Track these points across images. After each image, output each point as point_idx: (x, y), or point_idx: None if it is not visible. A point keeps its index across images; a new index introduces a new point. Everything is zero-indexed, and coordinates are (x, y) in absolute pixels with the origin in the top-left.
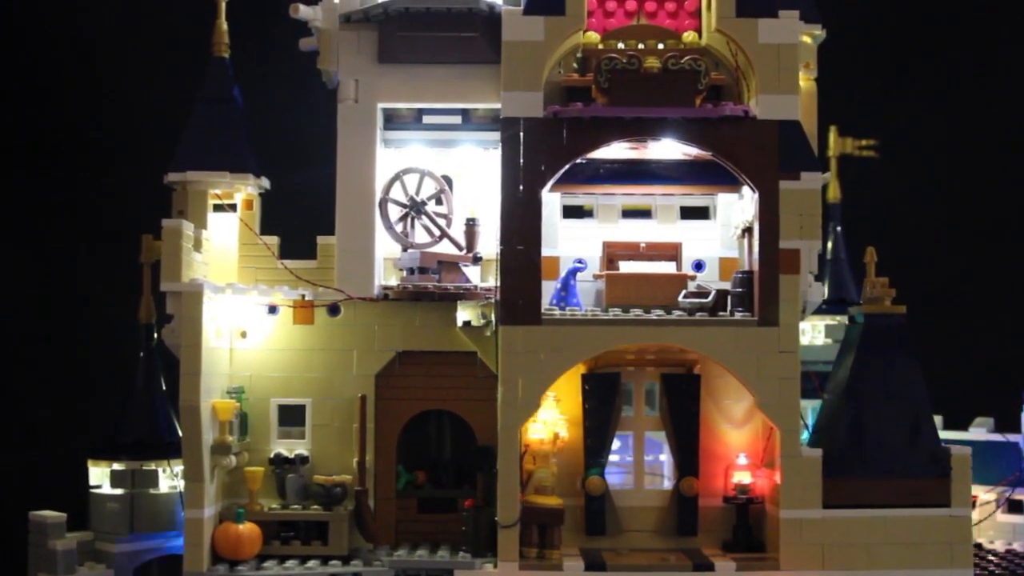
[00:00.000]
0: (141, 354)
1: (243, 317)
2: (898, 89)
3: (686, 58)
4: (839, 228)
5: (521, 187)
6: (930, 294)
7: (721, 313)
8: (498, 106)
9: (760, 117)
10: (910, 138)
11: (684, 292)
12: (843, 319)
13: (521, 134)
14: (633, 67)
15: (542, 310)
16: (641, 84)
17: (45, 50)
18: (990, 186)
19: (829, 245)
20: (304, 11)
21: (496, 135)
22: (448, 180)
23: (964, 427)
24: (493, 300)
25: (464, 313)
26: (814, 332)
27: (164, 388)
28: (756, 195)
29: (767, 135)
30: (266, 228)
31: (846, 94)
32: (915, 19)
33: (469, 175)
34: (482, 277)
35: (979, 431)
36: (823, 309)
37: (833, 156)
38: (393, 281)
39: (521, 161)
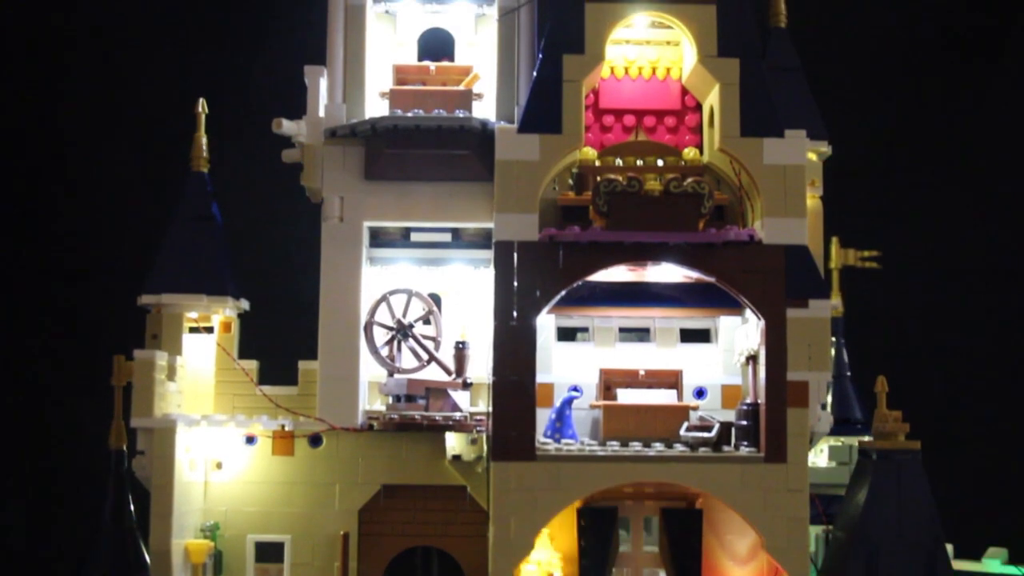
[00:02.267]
0: (110, 482)
1: (219, 447)
2: (899, 199)
3: (688, 180)
4: (842, 343)
5: (515, 314)
6: (936, 412)
7: (726, 448)
8: (489, 225)
9: (766, 241)
10: (914, 248)
11: (686, 425)
12: (848, 441)
13: (515, 258)
14: (633, 190)
15: (536, 444)
16: (642, 208)
17: (18, 155)
18: (1000, 301)
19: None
20: (287, 126)
21: (487, 253)
22: (436, 299)
23: (977, 557)
24: (484, 432)
25: (454, 446)
26: (816, 454)
27: (134, 518)
28: (762, 323)
29: (773, 260)
30: (245, 351)
31: (848, 204)
32: (915, 124)
33: (459, 294)
34: (472, 401)
35: (993, 562)
36: None
37: (835, 268)
38: (378, 405)
39: (515, 287)
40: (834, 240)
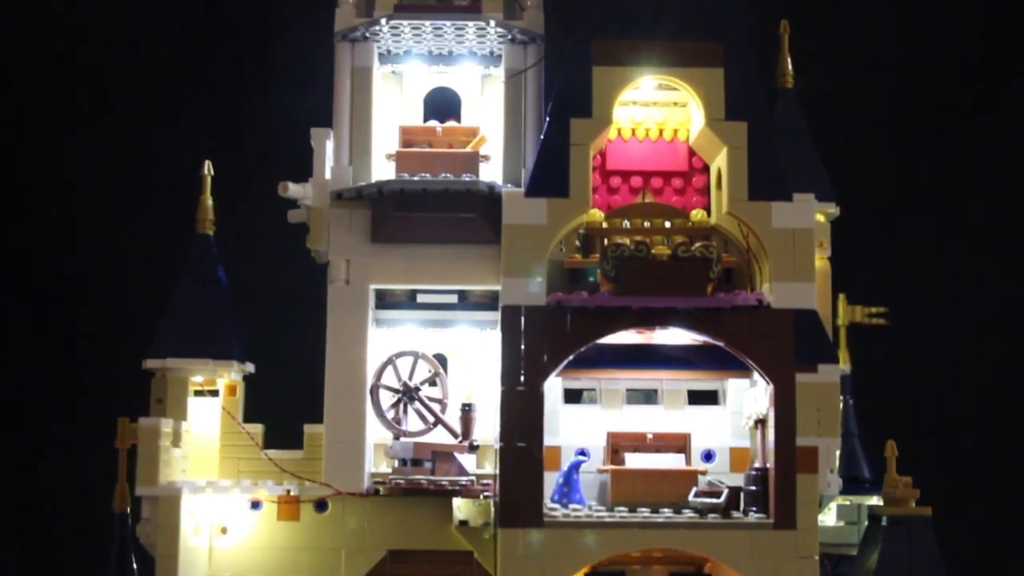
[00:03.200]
0: (114, 546)
1: (224, 512)
2: (907, 255)
3: (697, 245)
4: (850, 400)
5: (522, 378)
6: (946, 470)
7: (735, 513)
8: (496, 287)
9: (775, 306)
10: (922, 305)
11: (695, 490)
12: (856, 500)
13: (522, 323)
14: (641, 254)
15: (544, 510)
16: (650, 273)
17: (24, 217)
18: (1010, 356)
19: None
20: (293, 189)
21: (494, 315)
22: (443, 359)
23: None
24: (491, 498)
25: (460, 512)
26: (825, 513)
27: None
28: (771, 387)
29: (782, 325)
30: (250, 415)
31: (856, 261)
32: (922, 181)
33: (465, 354)
34: (478, 463)
35: None
36: None
37: (842, 325)
38: (384, 468)
39: (522, 352)
40: (841, 297)
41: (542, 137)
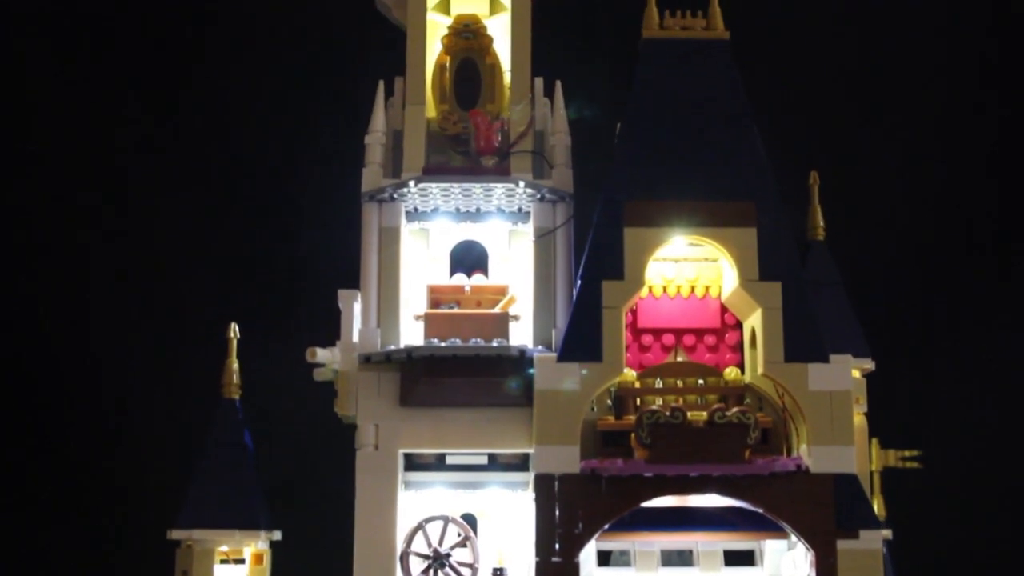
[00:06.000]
0: None
1: None
2: (941, 402)
3: (733, 411)
4: (885, 553)
5: (557, 548)
6: None
7: None
8: (527, 449)
9: (813, 471)
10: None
11: None
12: None
13: (556, 491)
14: (677, 421)
15: None
16: (686, 440)
17: (49, 382)
18: None
19: None
20: (321, 355)
21: (525, 476)
22: (472, 520)
23: None
24: None
25: None
26: None
27: None
28: (811, 554)
29: (822, 490)
30: None
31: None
32: (954, 331)
33: (496, 515)
34: None
35: None
36: None
37: (876, 470)
38: None
39: (556, 521)
40: (874, 442)
41: (574, 300)
